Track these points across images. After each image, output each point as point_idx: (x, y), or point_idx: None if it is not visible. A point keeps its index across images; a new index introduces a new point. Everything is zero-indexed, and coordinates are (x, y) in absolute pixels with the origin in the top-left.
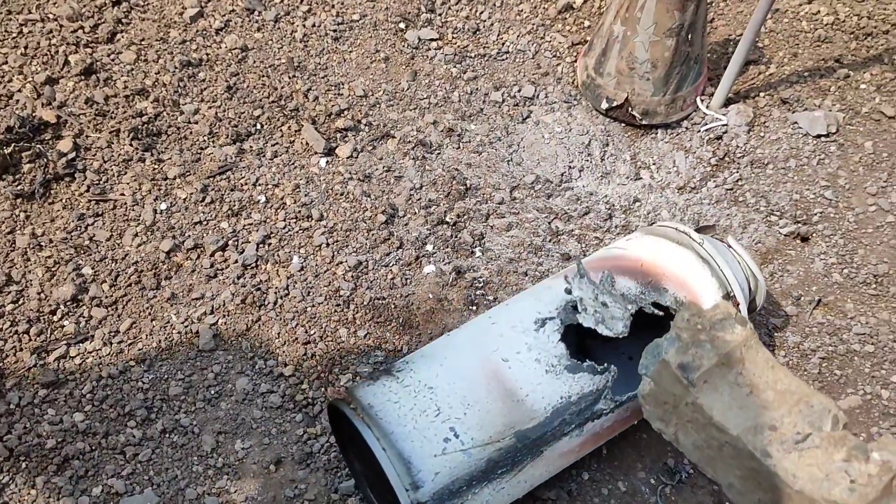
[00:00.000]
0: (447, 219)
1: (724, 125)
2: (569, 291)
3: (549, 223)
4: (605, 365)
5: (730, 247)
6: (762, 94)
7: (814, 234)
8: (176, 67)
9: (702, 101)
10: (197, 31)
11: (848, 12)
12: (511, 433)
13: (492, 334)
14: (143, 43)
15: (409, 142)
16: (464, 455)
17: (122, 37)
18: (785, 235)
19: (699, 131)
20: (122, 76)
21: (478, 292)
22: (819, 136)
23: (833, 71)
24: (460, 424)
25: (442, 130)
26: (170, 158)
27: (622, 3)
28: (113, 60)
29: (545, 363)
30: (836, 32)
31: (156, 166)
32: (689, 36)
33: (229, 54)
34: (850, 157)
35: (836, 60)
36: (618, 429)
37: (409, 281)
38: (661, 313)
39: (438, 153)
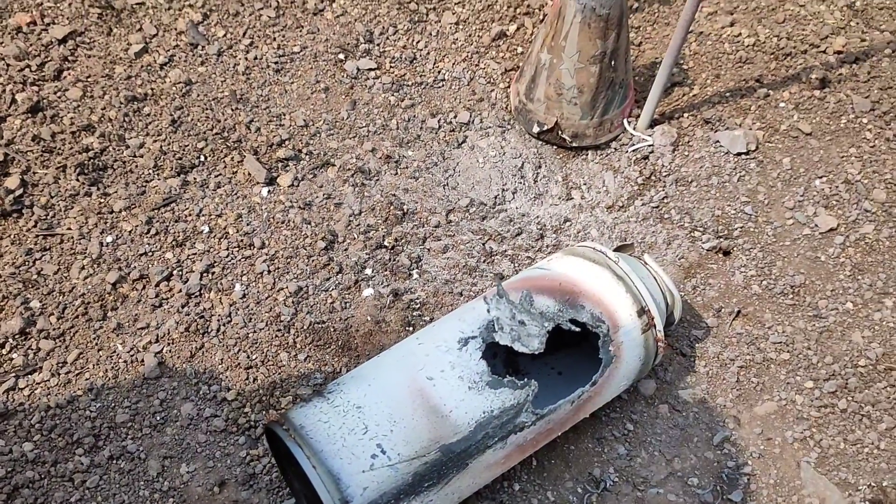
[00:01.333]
0: (385, 243)
1: (650, 146)
2: (490, 311)
3: (484, 244)
4: (526, 380)
5: (646, 264)
6: (686, 115)
7: (735, 248)
8: (121, 103)
9: (629, 122)
10: (142, 66)
11: (768, 34)
12: (436, 447)
13: (418, 354)
14: (88, 80)
15: (349, 169)
16: (391, 470)
17: (69, 74)
18: (707, 250)
19: (627, 152)
20: (68, 113)
21: (414, 313)
22: (739, 154)
23: (754, 91)
24: (387, 441)
25: (380, 157)
26: (115, 192)
27: (548, 32)
28: (59, 97)
29: (468, 380)
30: (757, 53)
31: (102, 200)
32: (613, 62)
33: (173, 88)
34: (769, 173)
35: (756, 80)
36: (542, 440)
37: (348, 304)
38: (577, 329)
39: (377, 179)
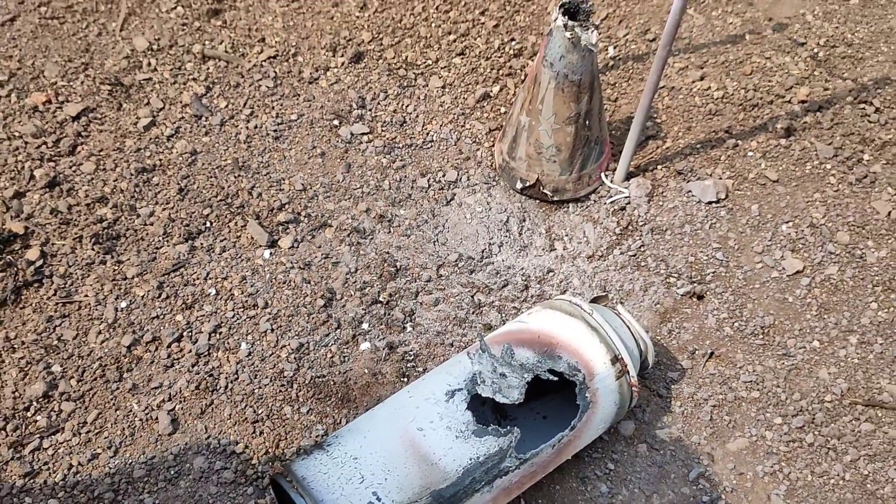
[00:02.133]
0: (380, 298)
1: (626, 197)
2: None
3: (472, 297)
4: (508, 427)
5: (619, 314)
6: (660, 167)
7: (707, 293)
8: (132, 174)
9: (606, 176)
10: (150, 138)
11: (736, 86)
12: (427, 493)
13: (409, 407)
14: (101, 153)
15: (345, 229)
16: None
17: (83, 149)
18: (682, 295)
19: (605, 204)
20: (83, 186)
21: (409, 364)
22: (710, 203)
23: (723, 141)
24: (382, 489)
25: (374, 217)
26: (128, 259)
27: (526, 96)
28: (74, 172)
29: (455, 430)
30: (726, 105)
31: (116, 267)
32: (587, 122)
33: (180, 158)
34: (739, 219)
35: (725, 131)
36: (527, 482)
37: (346, 358)
38: (556, 378)
39: (371, 238)
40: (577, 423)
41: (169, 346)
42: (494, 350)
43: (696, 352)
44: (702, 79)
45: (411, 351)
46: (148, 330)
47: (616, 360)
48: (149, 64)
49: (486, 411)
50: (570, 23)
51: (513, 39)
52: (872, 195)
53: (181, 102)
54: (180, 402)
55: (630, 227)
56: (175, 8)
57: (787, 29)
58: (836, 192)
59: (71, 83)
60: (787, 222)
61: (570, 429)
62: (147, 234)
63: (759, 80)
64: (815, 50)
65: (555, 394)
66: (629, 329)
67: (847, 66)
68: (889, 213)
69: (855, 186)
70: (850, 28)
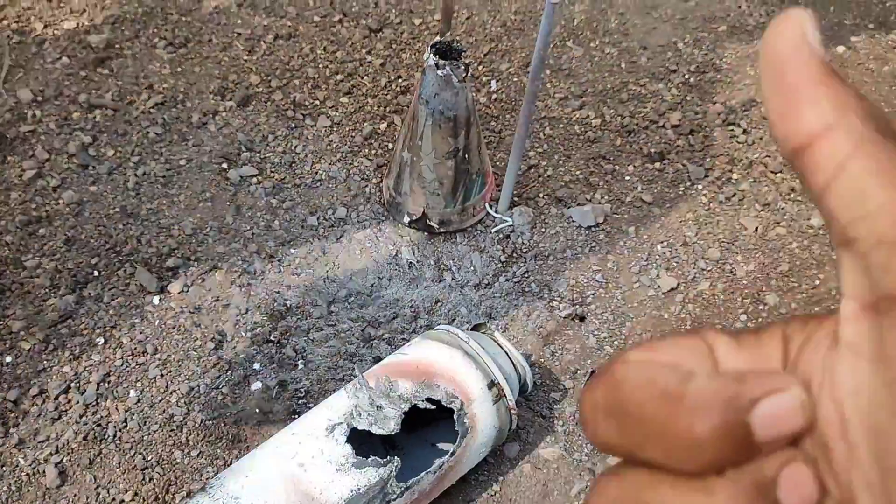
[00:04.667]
0: (271, 337)
1: (510, 226)
2: None
3: (362, 330)
4: (388, 458)
5: (497, 341)
6: (541, 195)
7: (588, 314)
8: (17, 227)
9: (490, 206)
10: (35, 190)
11: (613, 113)
12: None
13: (291, 444)
14: None
15: (235, 271)
16: None
17: None
18: (564, 317)
19: (490, 233)
20: None
21: (300, 401)
22: (590, 227)
23: (601, 167)
24: None
25: (264, 257)
26: (14, 313)
27: (406, 133)
28: None
29: (336, 463)
30: (604, 132)
31: (1, 322)
32: (466, 156)
33: (67, 209)
34: (617, 242)
35: (603, 157)
36: None
37: (237, 399)
38: (433, 406)
39: (262, 279)
40: (457, 448)
41: (56, 398)
42: (372, 383)
43: (578, 371)
44: (581, 108)
45: (302, 388)
46: (35, 383)
47: (493, 384)
48: (34, 115)
49: (375, 443)
50: (442, 62)
51: (399, 77)
52: (741, 212)
53: (67, 153)
54: (68, 453)
55: (514, 255)
56: (60, 58)
57: (661, 57)
58: (707, 210)
59: None
60: (661, 242)
61: (451, 455)
62: (33, 286)
63: (635, 107)
64: (687, 76)
65: (443, 421)
66: (507, 354)
67: (717, 90)
68: (756, 228)
69: (725, 205)
70: (719, 54)
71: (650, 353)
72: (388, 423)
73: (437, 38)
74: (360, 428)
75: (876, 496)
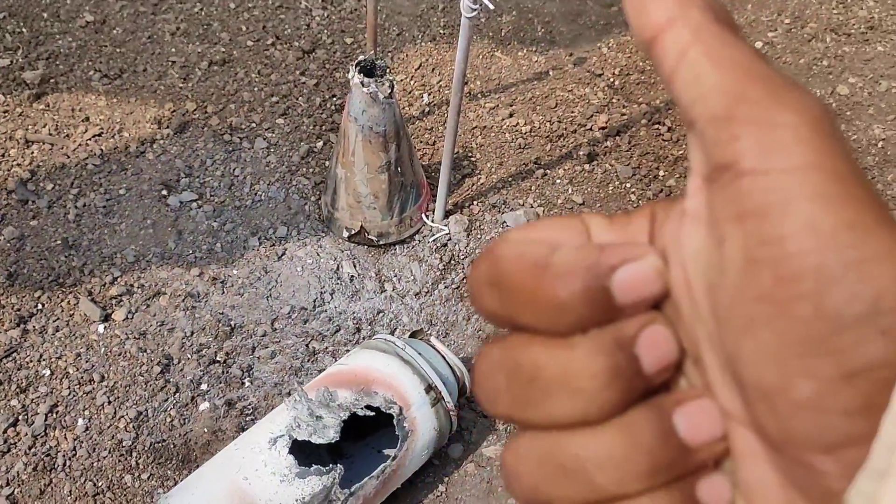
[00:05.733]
0: (218, 358)
1: (447, 234)
2: None
3: (307, 345)
4: (331, 466)
5: (433, 346)
6: (476, 202)
7: None
8: None
9: (426, 216)
10: None
11: (542, 119)
12: None
13: (236, 458)
14: None
15: (179, 295)
16: None
17: None
18: None
19: (428, 242)
20: None
21: (248, 418)
22: None
23: (532, 172)
24: None
25: (207, 280)
26: None
27: (339, 150)
28: None
29: (279, 474)
30: (535, 138)
31: None
32: (399, 169)
33: (8, 244)
34: None
35: (534, 163)
36: None
37: (186, 420)
38: (373, 413)
39: (206, 301)
40: (399, 452)
41: (5, 432)
42: (312, 395)
43: None
44: (511, 116)
45: (250, 405)
46: None
47: (430, 388)
48: None
49: (322, 453)
50: (367, 80)
51: (334, 95)
52: None
53: (6, 189)
54: (18, 485)
55: (452, 262)
56: None
57: (587, 62)
58: (636, 207)
59: None
60: None
61: (392, 459)
62: None
63: (563, 112)
64: (612, 79)
65: (388, 428)
66: (444, 358)
67: (641, 91)
68: None
69: (652, 201)
70: (642, 56)
71: (528, 231)
72: (328, 432)
73: (362, 57)
74: (300, 439)
75: (714, 345)
